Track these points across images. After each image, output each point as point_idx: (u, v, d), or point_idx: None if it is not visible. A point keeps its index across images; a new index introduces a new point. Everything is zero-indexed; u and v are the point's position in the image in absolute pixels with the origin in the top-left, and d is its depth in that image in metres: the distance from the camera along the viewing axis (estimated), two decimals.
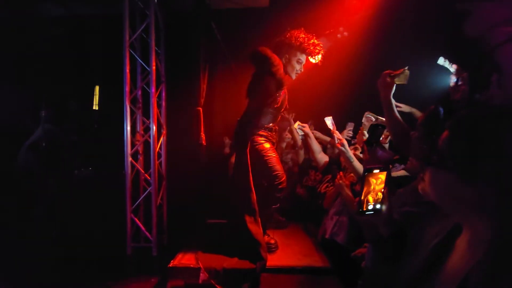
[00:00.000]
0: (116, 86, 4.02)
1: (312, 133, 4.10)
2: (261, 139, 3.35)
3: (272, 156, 3.34)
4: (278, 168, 3.33)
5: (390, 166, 2.40)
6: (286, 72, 3.26)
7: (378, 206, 1.31)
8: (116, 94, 4.04)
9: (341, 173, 3.09)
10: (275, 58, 3.14)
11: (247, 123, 3.30)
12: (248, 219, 3.26)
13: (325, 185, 4.01)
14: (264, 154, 3.31)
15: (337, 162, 3.95)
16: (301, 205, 4.47)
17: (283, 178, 3.36)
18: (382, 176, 1.30)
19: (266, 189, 3.44)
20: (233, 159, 4.22)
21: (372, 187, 1.29)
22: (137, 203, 4.09)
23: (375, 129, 2.05)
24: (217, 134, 5.17)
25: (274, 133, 3.49)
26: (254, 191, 3.29)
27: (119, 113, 3.99)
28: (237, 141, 3.41)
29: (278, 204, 3.58)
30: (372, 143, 2.05)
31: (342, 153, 2.85)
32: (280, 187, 3.35)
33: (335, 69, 3.56)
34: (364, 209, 1.30)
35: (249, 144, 3.29)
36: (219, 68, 4.87)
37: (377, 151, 1.98)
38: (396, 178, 2.18)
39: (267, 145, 3.34)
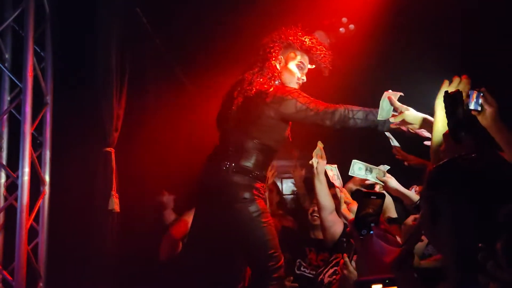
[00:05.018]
0: None
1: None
2: (255, 193, 2.74)
3: (270, 223, 2.74)
4: (276, 244, 2.73)
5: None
6: (283, 82, 2.86)
7: None
8: None
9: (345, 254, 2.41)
10: None
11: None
12: None
13: (331, 270, 3.13)
14: (261, 219, 2.68)
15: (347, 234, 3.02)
16: None
17: (281, 262, 2.72)
18: None
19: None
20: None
21: None
22: None
23: (366, 200, 1.28)
24: (147, 191, 3.73)
25: (265, 184, 2.93)
26: None
27: None
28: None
29: None
30: (365, 227, 1.27)
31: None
32: (275, 275, 2.65)
33: (338, 79, 2.99)
34: None
35: (236, 203, 2.65)
36: (152, 78, 3.61)
37: (376, 241, 1.27)
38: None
39: (261, 205, 2.79)
